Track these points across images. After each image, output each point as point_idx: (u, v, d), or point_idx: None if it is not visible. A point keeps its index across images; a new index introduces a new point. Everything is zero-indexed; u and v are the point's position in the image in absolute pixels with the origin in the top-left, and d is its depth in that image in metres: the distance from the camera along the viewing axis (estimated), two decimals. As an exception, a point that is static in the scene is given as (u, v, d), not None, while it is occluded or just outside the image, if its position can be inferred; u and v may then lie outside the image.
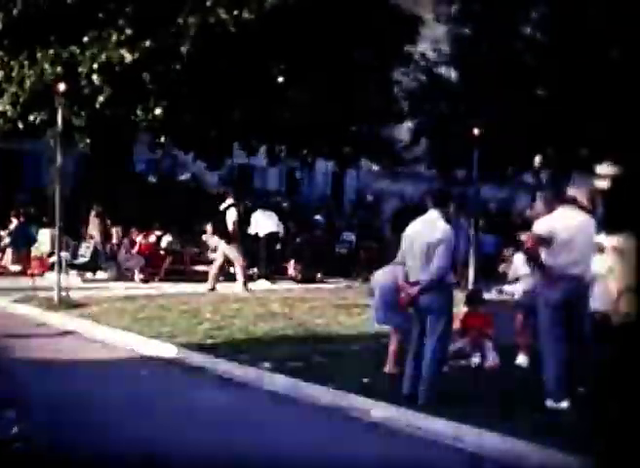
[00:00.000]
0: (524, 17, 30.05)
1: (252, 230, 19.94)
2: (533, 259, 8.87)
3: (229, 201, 18.17)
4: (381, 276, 10.01)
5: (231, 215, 17.81)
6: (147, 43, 17.97)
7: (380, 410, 8.36)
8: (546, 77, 27.89)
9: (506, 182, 33.88)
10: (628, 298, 11.36)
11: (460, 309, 10.74)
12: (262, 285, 18.91)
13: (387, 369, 9.84)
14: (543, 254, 8.57)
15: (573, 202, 8.77)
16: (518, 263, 11.31)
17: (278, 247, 21.34)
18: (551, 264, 8.49)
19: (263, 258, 19.77)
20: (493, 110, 25.91)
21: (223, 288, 17.88)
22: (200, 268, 20.63)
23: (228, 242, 17.73)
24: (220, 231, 17.84)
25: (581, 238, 8.53)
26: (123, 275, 19.42)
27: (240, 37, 18.49)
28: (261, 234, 19.76)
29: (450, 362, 9.86)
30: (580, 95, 26.44)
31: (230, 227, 17.75)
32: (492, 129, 19.77)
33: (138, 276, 19.13)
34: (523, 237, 9.23)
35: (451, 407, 8.15)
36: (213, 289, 17.69)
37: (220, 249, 17.91)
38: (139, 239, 19.74)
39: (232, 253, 17.73)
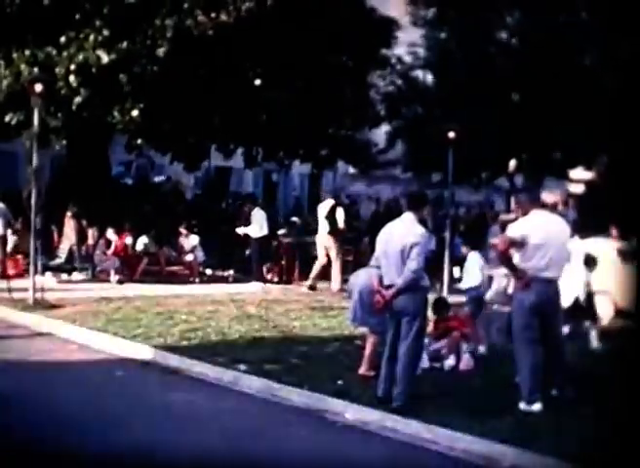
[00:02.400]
0: (499, 22, 30.24)
1: (247, 232, 19.68)
2: (505, 262, 8.92)
3: (330, 201, 18.35)
4: (358, 278, 10.04)
5: (340, 215, 18.14)
6: (124, 44, 17.88)
7: (354, 412, 8.39)
8: (520, 82, 28.05)
9: (481, 186, 34.05)
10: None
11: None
12: (256, 287, 18.73)
13: (362, 370, 9.86)
14: (516, 258, 8.63)
15: (546, 206, 8.84)
16: (472, 262, 11.64)
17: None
18: (524, 267, 8.55)
19: (256, 260, 19.63)
20: (468, 114, 26.00)
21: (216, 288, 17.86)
22: (175, 269, 20.58)
23: (337, 240, 17.97)
24: (332, 230, 17.96)
25: (555, 241, 8.59)
26: (98, 276, 19.32)
27: (217, 40, 18.45)
28: (258, 235, 19.49)
29: (424, 364, 9.90)
30: (554, 99, 26.64)
31: (342, 226, 18.03)
32: (467, 132, 19.81)
33: (113, 277, 19.03)
34: (495, 240, 9.31)
35: (425, 408, 8.20)
36: (313, 287, 18.12)
37: (330, 247, 17.99)
38: (114, 240, 19.66)
39: (334, 251, 17.90)
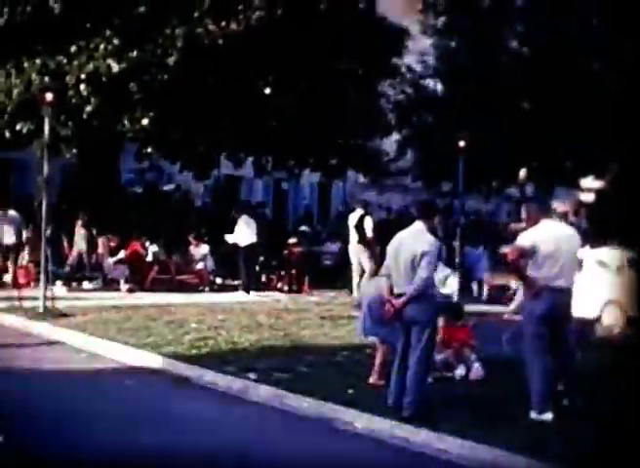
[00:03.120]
0: (510, 30, 30.28)
1: (232, 239, 19.75)
2: (515, 272, 8.91)
3: (360, 211, 18.30)
4: (368, 288, 10.05)
5: (368, 224, 17.97)
6: (135, 53, 17.97)
7: (364, 422, 8.37)
8: (530, 90, 28.04)
9: (492, 195, 34.03)
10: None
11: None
12: (241, 296, 18.76)
13: (372, 379, 9.85)
14: (528, 267, 8.62)
15: (557, 215, 8.83)
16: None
17: (261, 258, 21.26)
18: (535, 276, 8.53)
19: (243, 269, 19.65)
20: (478, 122, 26.01)
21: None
22: (185, 278, 20.60)
23: (368, 250, 17.85)
24: (362, 240, 17.92)
25: (566, 251, 8.58)
26: (109, 285, 19.36)
27: (227, 48, 18.51)
28: (242, 244, 19.57)
29: (435, 373, 9.89)
30: (564, 107, 26.62)
31: (370, 235, 17.87)
32: (477, 141, 19.83)
33: (123, 286, 19.08)
34: (505, 249, 9.30)
35: (435, 418, 8.17)
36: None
37: (361, 257, 17.96)
38: (112, 245, 19.71)
39: (367, 261, 17.84)
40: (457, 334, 10.85)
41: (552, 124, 26.95)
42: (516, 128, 27.52)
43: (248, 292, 19.20)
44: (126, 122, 18.54)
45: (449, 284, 11.77)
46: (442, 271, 11.63)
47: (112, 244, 19.85)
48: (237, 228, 19.45)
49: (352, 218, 18.34)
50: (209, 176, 23.91)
